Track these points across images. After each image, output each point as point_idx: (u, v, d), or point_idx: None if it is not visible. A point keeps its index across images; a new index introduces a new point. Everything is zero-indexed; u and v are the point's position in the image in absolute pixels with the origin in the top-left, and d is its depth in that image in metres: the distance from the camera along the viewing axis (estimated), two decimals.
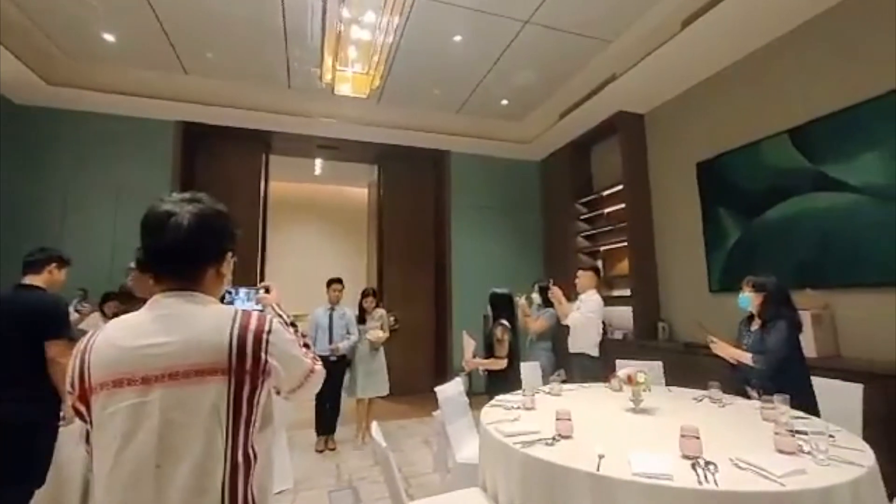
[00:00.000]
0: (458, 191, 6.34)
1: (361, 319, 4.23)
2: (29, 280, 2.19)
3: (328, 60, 3.44)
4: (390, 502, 1.72)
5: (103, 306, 3.67)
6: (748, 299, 2.58)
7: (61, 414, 2.10)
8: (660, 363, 3.24)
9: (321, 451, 3.91)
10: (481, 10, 3.88)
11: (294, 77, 4.99)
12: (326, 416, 4.04)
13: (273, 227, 6.60)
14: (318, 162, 7.52)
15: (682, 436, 1.60)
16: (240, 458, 0.89)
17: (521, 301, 4.02)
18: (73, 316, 2.96)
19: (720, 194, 4.17)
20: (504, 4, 3.82)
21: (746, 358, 2.44)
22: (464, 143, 6.18)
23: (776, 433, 1.65)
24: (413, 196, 6.65)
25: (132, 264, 1.95)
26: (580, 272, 3.86)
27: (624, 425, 2.06)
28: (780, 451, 1.60)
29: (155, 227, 0.94)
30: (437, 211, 6.69)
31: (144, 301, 0.97)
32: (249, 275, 5.64)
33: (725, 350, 2.58)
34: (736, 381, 2.59)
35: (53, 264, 2.24)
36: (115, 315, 2.78)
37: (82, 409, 0.89)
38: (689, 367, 3.75)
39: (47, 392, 2.02)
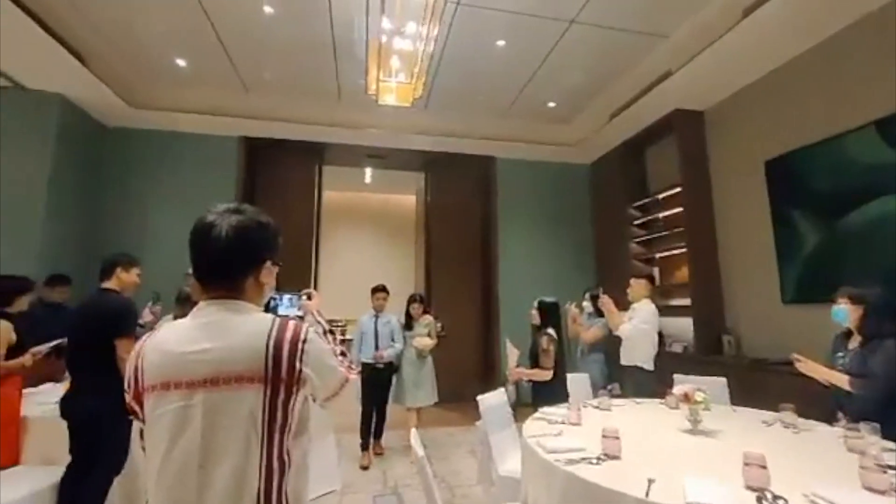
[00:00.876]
0: (505, 196, 6.26)
1: (408, 326, 4.16)
2: (105, 284, 2.41)
3: (373, 71, 3.53)
4: None
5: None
6: (844, 312, 2.29)
7: None
8: (724, 380, 2.97)
9: (366, 468, 3.69)
10: (524, 13, 3.82)
11: (343, 89, 5.18)
12: (371, 424, 3.97)
13: (325, 235, 6.88)
14: (368, 171, 7.75)
15: (746, 464, 1.44)
16: (275, 463, 0.91)
17: (571, 308, 3.87)
18: (149, 317, 3.21)
19: (794, 195, 3.78)
20: (548, 5, 3.73)
21: (842, 381, 2.16)
22: (510, 148, 6.10)
23: (863, 467, 1.44)
24: (460, 202, 6.65)
25: (189, 270, 2.09)
26: (632, 280, 3.64)
27: (679, 448, 1.90)
28: (868, 489, 1.39)
29: (198, 238, 0.99)
30: (484, 217, 6.64)
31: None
32: (304, 280, 5.90)
33: (816, 370, 2.29)
34: (830, 406, 2.31)
35: (119, 268, 2.44)
36: (179, 317, 3.00)
37: (136, 408, 0.96)
38: (758, 385, 3.43)
39: (118, 386, 2.20)
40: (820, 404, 2.35)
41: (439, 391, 4.22)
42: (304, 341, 0.96)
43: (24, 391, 2.74)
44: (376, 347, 3.96)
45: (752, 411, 2.49)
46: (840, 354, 2.33)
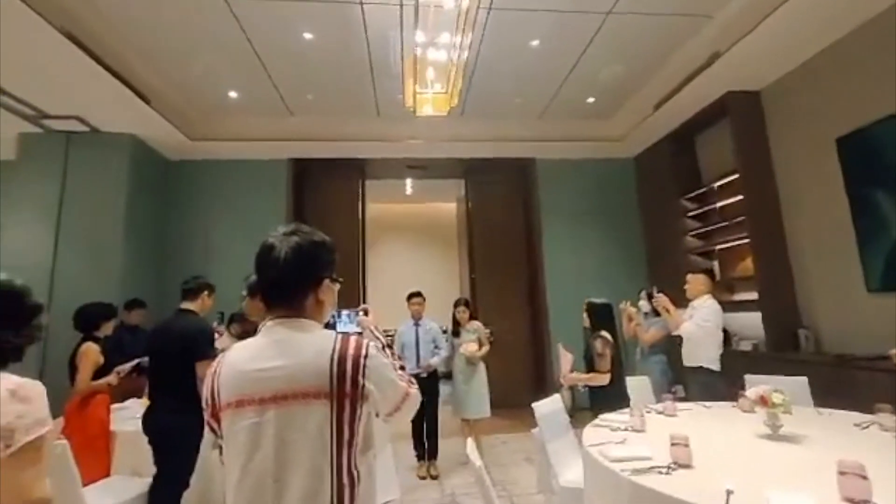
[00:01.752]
0: (547, 197, 6.14)
1: (455, 332, 4.01)
2: (186, 305, 2.52)
3: (409, 85, 3.60)
4: None
5: (229, 327, 4.21)
6: None
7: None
8: (804, 380, 2.72)
9: (423, 478, 3.68)
10: (557, 10, 3.75)
11: (381, 105, 5.32)
12: (422, 433, 3.84)
13: (370, 247, 7.05)
14: (409, 181, 7.88)
15: (842, 473, 1.30)
16: (345, 479, 0.93)
17: (626, 307, 3.72)
18: (222, 341, 3.42)
19: (874, 173, 3.43)
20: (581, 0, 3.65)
21: None
22: (550, 147, 5.99)
23: None
24: (502, 207, 6.60)
25: (244, 292, 2.19)
26: (689, 276, 3.44)
27: (758, 455, 1.75)
28: None
29: (262, 261, 1.05)
30: (527, 220, 6.55)
31: (255, 323, 1.07)
32: (352, 293, 6.07)
33: None
34: None
35: (205, 292, 2.58)
36: (239, 335, 3.16)
37: (215, 425, 1.02)
38: (844, 384, 3.12)
39: (194, 405, 2.34)
40: None
41: (491, 399, 3.97)
42: (366, 356, 0.99)
43: (112, 407, 3.00)
44: (417, 356, 3.82)
45: (840, 413, 2.26)
46: None
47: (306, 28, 3.91)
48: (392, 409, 1.04)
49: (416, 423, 3.82)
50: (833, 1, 3.26)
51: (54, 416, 1.09)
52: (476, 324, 4.03)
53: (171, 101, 4.85)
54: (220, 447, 1.01)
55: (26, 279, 1.10)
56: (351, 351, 0.98)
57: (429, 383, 3.77)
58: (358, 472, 0.96)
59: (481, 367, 3.94)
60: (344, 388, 0.95)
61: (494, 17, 3.79)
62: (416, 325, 3.94)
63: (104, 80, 3.87)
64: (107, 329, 3.07)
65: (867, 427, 1.99)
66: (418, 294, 4.02)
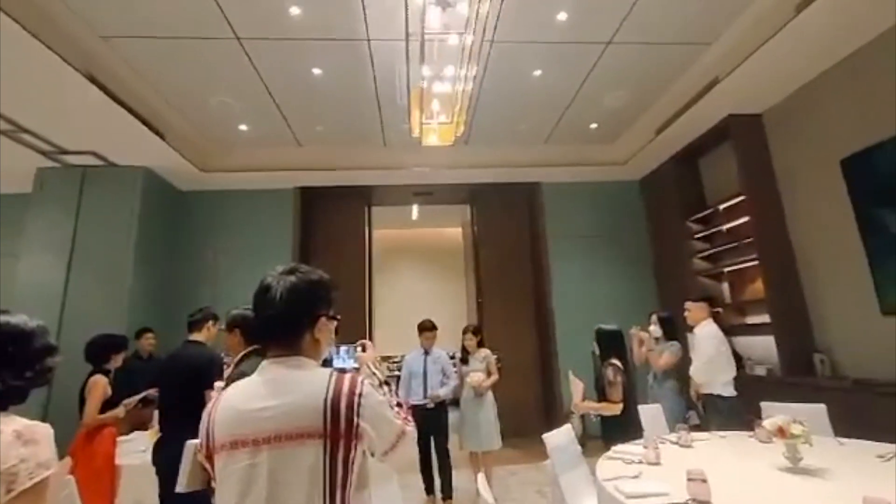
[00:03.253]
0: (553, 222, 6.16)
1: (464, 360, 3.88)
2: (193, 337, 2.56)
3: (415, 116, 3.69)
4: None
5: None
6: None
7: None
8: (823, 407, 2.64)
9: None
10: (559, 42, 3.86)
11: (388, 135, 5.44)
12: (431, 466, 3.70)
13: (377, 273, 7.07)
14: (415, 208, 7.96)
15: None
16: None
17: (637, 332, 3.68)
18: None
19: (881, 192, 3.42)
20: (582, 31, 3.76)
21: None
22: (555, 172, 6.05)
23: None
24: (508, 231, 6.62)
25: (222, 326, 2.21)
26: (688, 304, 3.48)
27: (779, 489, 1.70)
28: None
29: (259, 300, 1.06)
30: (533, 244, 6.55)
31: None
32: (359, 318, 6.07)
33: None
34: None
35: (209, 322, 2.61)
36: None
37: (208, 466, 1.00)
38: (864, 411, 3.03)
39: None
40: None
41: (500, 428, 3.81)
42: (361, 395, 0.98)
43: (118, 440, 2.98)
44: (425, 386, 3.69)
45: (862, 444, 2.19)
46: None
47: (315, 64, 4.05)
48: (388, 447, 1.02)
49: (423, 456, 3.67)
50: (831, 24, 3.33)
51: (62, 448, 1.08)
52: (485, 352, 3.90)
53: (184, 134, 5.00)
54: (213, 489, 0.99)
55: (38, 311, 1.10)
56: (345, 389, 0.97)
57: (436, 415, 3.67)
58: None
59: (489, 396, 3.79)
60: (338, 427, 0.94)
61: (497, 50, 3.90)
62: (426, 353, 3.83)
63: (122, 117, 4.02)
64: (116, 361, 3.09)
65: (890, 459, 1.92)
66: (431, 327, 3.86)
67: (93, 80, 3.58)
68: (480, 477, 1.86)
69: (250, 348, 2.05)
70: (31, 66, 3.28)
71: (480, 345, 3.91)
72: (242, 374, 1.62)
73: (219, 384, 2.13)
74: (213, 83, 4.27)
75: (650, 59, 4.16)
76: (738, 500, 1.59)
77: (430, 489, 3.69)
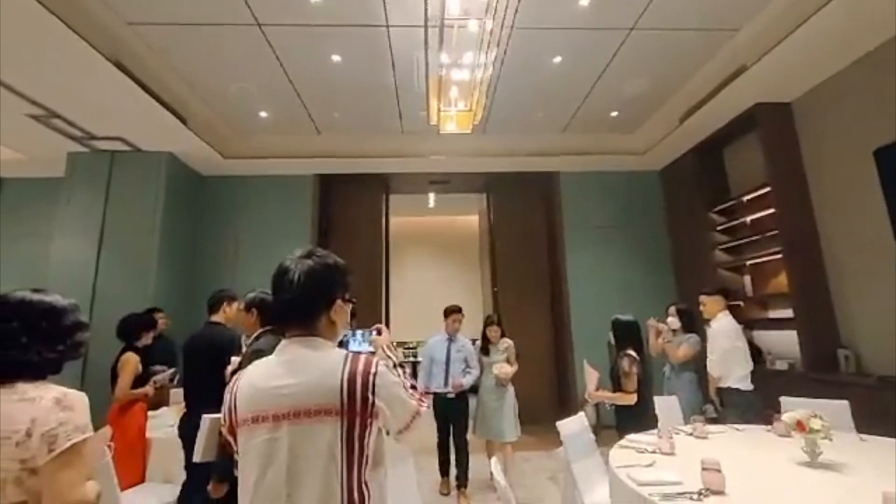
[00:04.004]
0: (570, 212, 6.09)
1: (485, 350, 3.80)
2: (213, 318, 2.68)
3: (433, 103, 3.68)
4: None
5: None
6: None
7: None
8: (845, 403, 2.60)
9: (446, 494, 3.59)
10: (580, 28, 3.78)
11: (406, 122, 5.43)
12: (449, 454, 3.67)
13: (394, 260, 7.14)
14: (432, 196, 7.97)
15: None
16: (355, 495, 0.96)
17: (654, 323, 3.65)
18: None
19: None
20: (604, 16, 3.67)
21: None
22: (573, 161, 5.97)
23: None
24: (524, 221, 6.59)
25: (240, 305, 2.33)
26: (703, 297, 3.46)
27: (796, 483, 1.69)
28: None
29: (277, 283, 1.10)
30: (549, 233, 6.51)
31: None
32: (375, 304, 6.15)
33: None
34: None
35: (225, 303, 2.71)
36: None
37: (231, 439, 1.05)
38: (889, 409, 2.96)
39: None
40: None
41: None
42: (376, 374, 1.01)
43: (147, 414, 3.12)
44: (447, 376, 3.62)
45: (885, 440, 2.15)
46: None
47: (335, 51, 4.06)
48: (402, 426, 1.05)
49: (443, 444, 3.67)
50: (863, 12, 3.18)
51: (96, 422, 1.16)
52: (507, 342, 3.82)
53: (206, 120, 5.09)
54: (237, 462, 1.04)
55: (71, 290, 1.18)
56: (361, 368, 1.01)
57: (458, 404, 3.62)
58: (368, 489, 0.98)
59: (510, 387, 3.76)
60: (354, 405, 0.97)
61: (517, 36, 3.85)
62: (450, 340, 3.71)
63: (147, 104, 4.11)
64: (147, 339, 3.22)
65: None
66: (458, 310, 3.74)
67: (120, 67, 3.67)
68: (494, 461, 1.89)
69: (265, 328, 2.14)
70: (61, 52, 3.37)
71: (502, 335, 3.84)
72: (258, 351, 1.67)
73: (235, 359, 2.23)
74: (234, 69, 4.32)
75: (675, 45, 4.05)
76: (753, 491, 1.58)
77: (445, 471, 3.70)
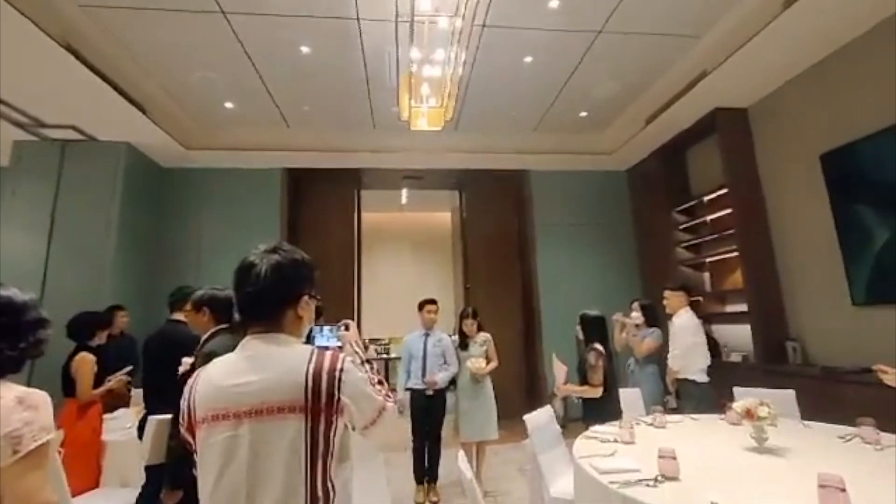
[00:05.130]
0: (540, 209, 6.20)
1: (463, 345, 3.68)
2: (175, 316, 2.59)
3: (404, 99, 3.66)
4: None
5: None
6: None
7: None
8: (792, 392, 2.77)
9: (421, 503, 3.40)
10: (550, 29, 3.85)
11: (377, 117, 5.38)
12: (424, 458, 3.53)
13: (366, 256, 7.05)
14: (404, 192, 7.93)
15: (822, 486, 1.34)
16: (319, 492, 0.94)
17: (619, 317, 3.77)
18: None
19: (856, 188, 3.53)
20: (573, 19, 3.74)
21: None
22: (544, 160, 6.07)
23: None
24: (496, 218, 6.66)
25: (189, 306, 2.17)
26: (667, 292, 3.60)
27: (743, 467, 1.79)
28: None
29: (241, 277, 1.07)
30: (520, 231, 6.61)
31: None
32: (347, 301, 6.08)
33: None
34: None
35: (187, 300, 2.62)
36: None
37: (189, 438, 1.02)
38: (831, 397, 3.18)
39: None
40: None
41: None
42: (342, 370, 1.00)
43: (103, 417, 2.98)
44: (424, 369, 3.51)
45: (825, 426, 2.30)
46: None
47: (304, 42, 3.97)
48: (368, 422, 1.05)
49: (419, 447, 3.53)
50: (815, 23, 3.38)
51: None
52: (484, 335, 3.70)
53: (167, 110, 4.88)
54: (194, 462, 1.01)
55: (17, 285, 1.11)
56: (326, 365, 0.99)
57: (435, 403, 3.50)
58: (332, 485, 0.97)
59: (488, 384, 3.63)
60: (319, 401, 0.96)
61: (488, 35, 3.87)
62: (426, 334, 3.60)
63: (101, 90, 3.90)
64: (101, 338, 3.07)
65: (850, 440, 2.03)
66: (432, 301, 3.64)
67: (70, 51, 3.47)
68: (461, 455, 1.91)
69: (218, 326, 2.04)
70: (4, 33, 3.16)
71: (479, 329, 3.73)
72: (211, 353, 1.58)
73: (187, 360, 2.14)
74: (196, 58, 4.16)
75: (640, 49, 4.18)
76: (704, 475, 1.67)
77: (420, 479, 3.53)
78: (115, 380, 3.00)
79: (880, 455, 1.84)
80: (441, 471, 3.59)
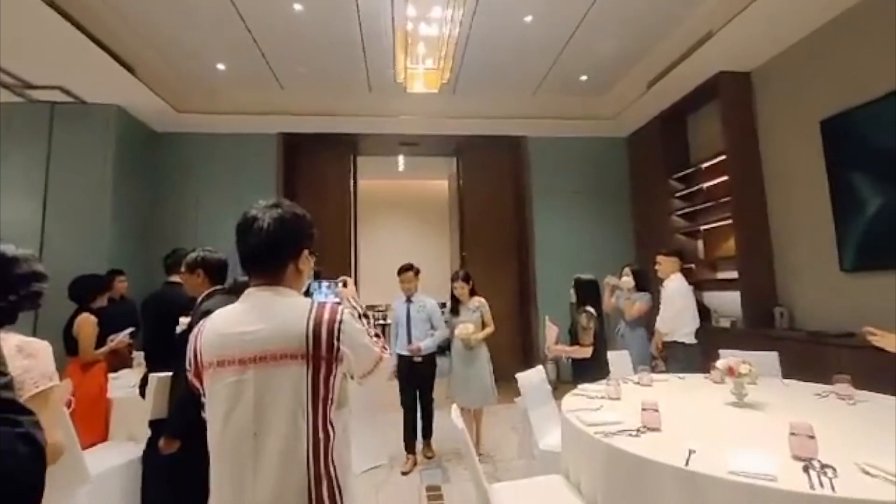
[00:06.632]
0: (538, 175, 6.17)
1: (455, 310, 3.60)
2: (172, 278, 2.63)
3: (400, 60, 3.56)
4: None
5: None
6: None
7: None
8: (775, 354, 2.86)
9: (406, 473, 3.27)
10: None
11: (373, 80, 5.25)
12: (415, 424, 3.49)
13: (362, 223, 7.06)
14: (401, 158, 7.84)
15: (792, 434, 1.42)
16: (320, 433, 1.01)
17: (610, 280, 3.83)
18: None
19: (853, 155, 3.51)
20: None
21: None
22: (542, 125, 5.98)
23: None
24: (493, 184, 6.63)
25: (183, 268, 2.20)
26: (660, 257, 3.66)
27: (722, 420, 1.88)
28: None
29: (243, 231, 1.10)
30: (517, 197, 6.59)
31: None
32: (344, 268, 6.12)
33: (894, 343, 2.02)
34: None
35: (183, 262, 2.65)
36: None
37: (197, 383, 1.08)
38: (816, 360, 3.28)
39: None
40: (887, 378, 2.23)
41: None
42: (341, 321, 1.05)
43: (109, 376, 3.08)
44: (409, 336, 3.44)
45: (804, 384, 2.40)
46: None
47: None
48: (365, 371, 1.11)
49: (407, 408, 3.50)
50: None
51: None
52: (478, 300, 3.57)
53: (157, 71, 4.74)
54: (203, 404, 1.06)
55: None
56: (326, 316, 1.04)
57: (423, 369, 3.44)
58: (333, 427, 1.03)
59: (482, 350, 3.52)
60: (320, 350, 1.01)
61: None
62: (408, 301, 3.54)
63: (88, 49, 3.78)
64: (101, 301, 3.12)
65: (826, 396, 2.12)
66: (409, 268, 3.54)
67: (54, 7, 3.34)
68: (454, 407, 1.99)
69: (214, 287, 2.06)
70: None
71: (473, 293, 3.60)
72: (207, 311, 1.64)
73: (184, 320, 2.17)
74: (186, 16, 4.01)
75: (644, 7, 4.04)
76: (685, 427, 1.76)
77: (410, 446, 3.46)
78: (118, 340, 3.07)
79: (852, 409, 1.93)
80: (437, 434, 3.60)
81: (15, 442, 0.51)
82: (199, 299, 2.07)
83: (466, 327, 3.44)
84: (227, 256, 2.19)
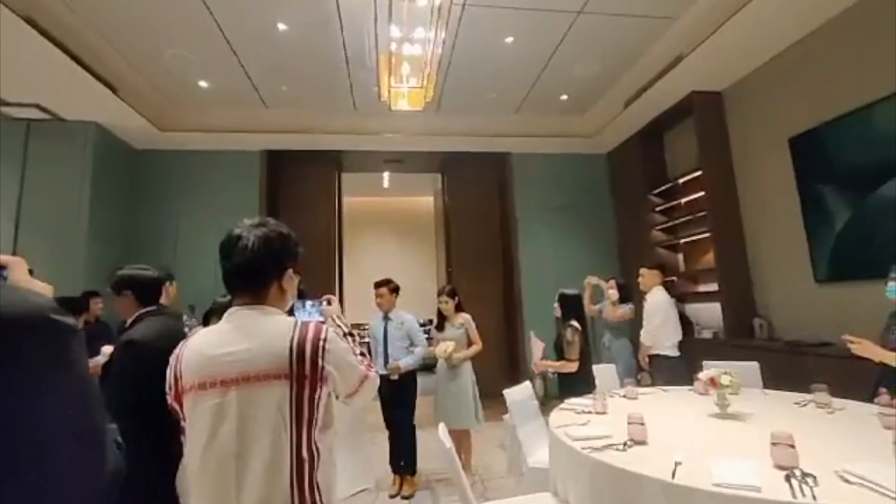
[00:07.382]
0: (522, 192, 6.26)
1: (440, 326, 3.49)
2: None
3: (384, 79, 3.62)
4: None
5: (208, 321, 4.17)
6: None
7: None
8: (756, 364, 2.92)
9: (394, 497, 3.17)
10: (530, 8, 3.83)
11: (358, 98, 5.30)
12: (398, 450, 3.34)
13: (347, 240, 7.03)
14: (386, 175, 7.88)
15: (774, 443, 1.44)
16: (304, 454, 0.99)
17: (591, 280, 3.89)
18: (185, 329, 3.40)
19: (820, 171, 3.67)
20: None
21: None
22: (525, 143, 6.10)
23: None
24: (478, 201, 6.70)
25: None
26: (643, 270, 3.77)
27: (706, 432, 1.90)
28: None
29: (228, 249, 1.09)
30: (502, 213, 6.67)
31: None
32: (328, 285, 6.06)
33: (872, 351, 2.06)
34: (873, 385, 2.20)
35: (165, 282, 2.58)
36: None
37: (177, 406, 1.05)
38: (794, 369, 3.35)
39: None
40: (861, 385, 2.28)
41: None
42: (325, 340, 1.04)
43: None
44: (386, 355, 3.28)
45: (784, 394, 2.45)
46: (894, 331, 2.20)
47: (280, 18, 3.86)
48: (351, 390, 1.10)
49: (390, 431, 3.39)
50: (787, 7, 3.45)
51: None
52: (464, 317, 3.45)
53: (138, 89, 4.71)
54: (183, 429, 1.04)
55: None
56: (311, 335, 1.03)
57: (401, 388, 3.23)
58: (317, 448, 1.01)
59: (465, 369, 3.36)
60: (304, 370, 1.00)
61: (469, 14, 3.83)
62: (386, 318, 3.38)
63: (66, 66, 3.74)
64: (78, 323, 3.01)
65: (805, 405, 2.17)
66: (384, 283, 3.37)
67: (32, 24, 3.31)
68: (441, 427, 1.97)
69: (144, 310, 1.73)
70: None
71: (459, 309, 3.49)
72: (131, 342, 1.48)
73: (107, 349, 1.97)
74: (168, 34, 4.01)
75: (619, 30, 4.20)
76: (670, 439, 1.77)
77: (395, 468, 3.35)
78: (93, 364, 2.96)
79: (831, 417, 1.98)
80: (425, 454, 3.41)
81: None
82: (128, 324, 1.71)
83: (447, 345, 3.29)
84: (160, 273, 1.88)
